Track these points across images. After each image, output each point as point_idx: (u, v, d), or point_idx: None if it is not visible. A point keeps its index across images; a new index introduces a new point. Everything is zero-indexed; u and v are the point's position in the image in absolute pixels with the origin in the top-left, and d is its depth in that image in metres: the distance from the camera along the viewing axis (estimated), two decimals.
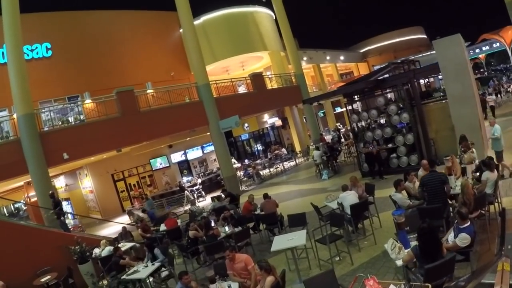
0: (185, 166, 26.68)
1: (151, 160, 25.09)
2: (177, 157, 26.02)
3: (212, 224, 10.14)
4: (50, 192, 13.47)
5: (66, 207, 25.24)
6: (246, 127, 30.08)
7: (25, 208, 24.89)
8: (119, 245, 11.51)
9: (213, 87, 20.75)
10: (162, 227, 12.57)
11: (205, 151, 27.39)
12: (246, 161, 27.40)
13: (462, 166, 9.14)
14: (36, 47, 20.03)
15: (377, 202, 9.54)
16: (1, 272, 10.38)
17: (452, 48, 12.12)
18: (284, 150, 28.55)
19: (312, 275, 6.66)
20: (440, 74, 13.43)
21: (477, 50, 46.34)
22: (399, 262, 5.35)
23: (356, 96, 15.68)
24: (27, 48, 19.36)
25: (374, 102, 14.74)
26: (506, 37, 36.62)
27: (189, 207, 16.52)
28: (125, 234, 12.96)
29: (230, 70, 29.83)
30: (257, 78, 23.87)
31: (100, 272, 10.99)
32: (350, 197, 8.66)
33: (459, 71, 12.07)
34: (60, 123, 16.49)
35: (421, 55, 30.63)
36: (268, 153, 28.48)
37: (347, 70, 47.48)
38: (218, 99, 20.34)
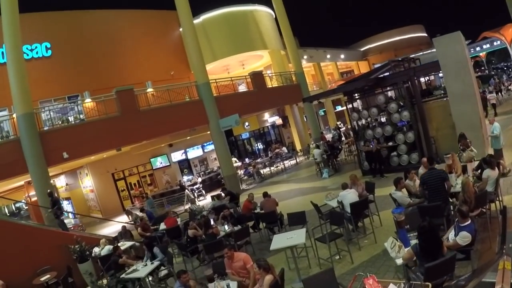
0: (185, 165, 26.68)
1: (151, 159, 25.08)
2: (177, 156, 26.01)
3: (212, 223, 10.10)
4: (49, 191, 13.43)
5: (67, 206, 25.36)
6: (247, 126, 30.03)
7: (26, 207, 24.93)
8: (119, 244, 11.49)
9: (213, 86, 20.72)
10: (162, 226, 12.54)
11: (205, 150, 27.38)
12: (247, 160, 27.39)
13: (461, 164, 9.10)
14: (36, 47, 19.99)
15: (377, 201, 9.51)
16: (1, 271, 10.38)
17: (453, 45, 12.07)
18: (284, 148, 28.52)
19: (312, 274, 6.63)
20: (440, 72, 13.38)
21: (477, 48, 46.18)
22: (399, 261, 5.31)
23: (356, 94, 15.63)
24: (27, 48, 19.35)
25: (375, 100, 14.70)
26: (507, 35, 36.49)
27: (189, 206, 16.49)
28: (124, 233, 12.92)
29: (230, 69, 29.79)
30: (257, 77, 23.82)
31: (100, 271, 10.97)
32: (350, 196, 8.62)
33: (459, 68, 12.02)
34: (60, 123, 16.46)
35: (421, 53, 30.48)
36: (269, 152, 28.45)
37: (348, 69, 47.40)
38: (218, 98, 20.29)
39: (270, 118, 31.44)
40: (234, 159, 25.30)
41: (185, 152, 26.37)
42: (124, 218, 17.97)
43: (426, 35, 50.63)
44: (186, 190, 20.01)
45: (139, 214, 14.98)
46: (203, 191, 21.22)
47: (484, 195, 6.90)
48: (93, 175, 23.23)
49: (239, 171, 23.27)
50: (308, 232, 8.01)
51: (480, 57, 51.50)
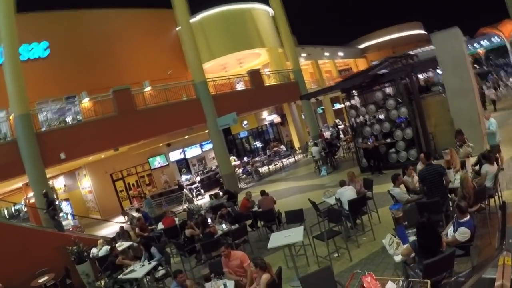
0: (183, 165, 26.63)
1: (149, 159, 25.01)
2: (175, 155, 25.96)
3: (210, 222, 10.04)
4: (44, 191, 13.33)
5: (66, 207, 25.29)
6: (245, 125, 29.99)
7: (26, 209, 24.86)
8: (117, 245, 11.44)
9: (210, 84, 20.64)
10: (160, 225, 12.48)
11: (203, 149, 27.32)
12: (245, 159, 27.33)
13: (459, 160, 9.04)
14: (33, 47, 19.86)
15: (376, 198, 9.45)
16: None
17: (450, 41, 12.02)
18: (283, 147, 28.50)
19: (309, 272, 6.57)
20: (438, 68, 13.32)
21: (476, 45, 46.07)
22: (397, 258, 5.24)
23: (354, 91, 15.55)
24: (24, 48, 19.24)
25: (372, 97, 14.63)
26: (505, 31, 36.36)
27: (187, 205, 16.44)
28: (122, 234, 12.86)
29: (228, 68, 29.70)
30: (254, 75, 23.75)
31: (98, 272, 10.93)
32: (348, 193, 8.55)
33: (457, 64, 11.97)
34: (57, 123, 16.39)
35: (420, 50, 30.47)
36: (267, 150, 28.41)
37: (346, 66, 47.36)
38: (216, 96, 20.23)
39: (268, 117, 31.40)
40: (232, 157, 25.28)
41: (183, 152, 26.31)
42: (122, 219, 17.90)
43: (424, 32, 50.60)
44: (185, 190, 19.94)
45: (135, 214, 14.93)
46: (202, 190, 21.17)
47: (483, 190, 6.83)
48: (91, 176, 23.14)
49: (237, 169, 23.21)
50: (306, 230, 7.95)
51: (479, 54, 51.38)
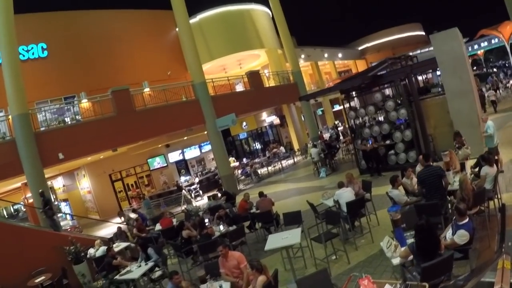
0: (183, 166, 26.58)
1: (148, 160, 24.97)
2: (174, 156, 25.92)
3: (207, 223, 9.98)
4: (40, 190, 13.27)
5: (64, 207, 25.25)
6: (245, 126, 29.95)
7: (25, 209, 24.83)
8: (114, 245, 11.39)
9: (209, 85, 20.60)
10: (158, 226, 12.43)
11: (202, 150, 27.28)
12: (245, 160, 27.29)
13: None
14: (32, 48, 19.83)
15: (374, 200, 9.39)
16: None
17: (450, 42, 11.98)
18: (282, 148, 28.46)
19: (305, 275, 6.51)
20: (438, 69, 13.28)
21: (475, 46, 46.09)
22: (395, 261, 5.18)
23: (353, 93, 15.50)
24: (23, 49, 19.21)
25: (372, 99, 14.58)
26: (505, 33, 36.37)
27: (185, 206, 16.38)
28: (120, 235, 12.82)
29: (227, 69, 29.70)
30: (254, 76, 23.71)
31: (95, 272, 10.88)
32: (346, 194, 8.49)
33: (457, 65, 11.93)
34: (57, 123, 16.35)
35: (419, 51, 30.47)
36: (267, 152, 28.37)
37: (346, 68, 47.39)
38: (215, 97, 20.20)
39: (268, 118, 31.36)
40: (232, 159, 25.24)
41: (182, 153, 26.27)
42: (120, 219, 17.85)
43: (424, 33, 50.61)
44: (183, 191, 19.89)
45: (132, 215, 14.91)
46: (200, 192, 21.11)
47: (482, 192, 6.78)
48: (90, 176, 23.11)
49: (236, 171, 23.15)
50: (304, 232, 7.89)
51: (478, 55, 51.43)
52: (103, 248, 11.15)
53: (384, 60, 15.77)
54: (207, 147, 26.48)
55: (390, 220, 5.94)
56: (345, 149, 21.19)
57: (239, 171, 23.48)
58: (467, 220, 5.24)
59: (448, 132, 12.29)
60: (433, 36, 12.58)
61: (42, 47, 20.11)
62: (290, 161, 24.87)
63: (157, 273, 8.81)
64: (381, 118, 14.88)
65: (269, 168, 24.01)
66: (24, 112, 14.06)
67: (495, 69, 56.94)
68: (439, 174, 7.11)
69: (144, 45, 24.00)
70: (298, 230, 7.50)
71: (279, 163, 24.20)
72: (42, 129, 15.43)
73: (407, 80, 13.47)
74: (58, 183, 26.45)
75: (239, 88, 25.33)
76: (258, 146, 32.69)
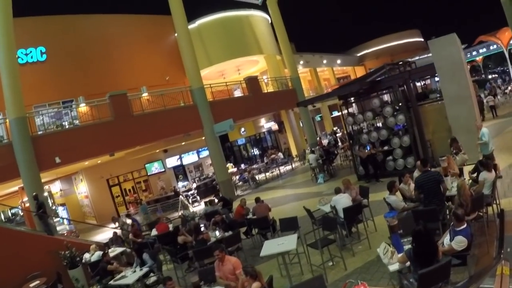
0: (180, 171, 26.48)
1: (146, 165, 24.88)
2: (172, 161, 25.83)
3: (203, 229, 9.89)
4: (34, 194, 13.22)
5: (62, 212, 25.10)
6: (243, 132, 29.91)
7: (22, 213, 24.69)
8: (109, 250, 11.30)
9: (208, 91, 20.57)
10: (154, 232, 12.33)
11: (200, 156, 27.21)
12: (243, 166, 27.23)
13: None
14: (31, 51, 19.80)
15: (372, 206, 9.30)
16: None
17: (448, 47, 11.97)
18: (280, 154, 28.42)
19: (300, 282, 6.42)
20: (436, 75, 13.26)
21: (474, 53, 46.27)
22: (392, 267, 5.10)
23: (351, 98, 15.45)
24: (22, 52, 19.20)
25: (370, 104, 14.53)
26: (503, 39, 36.53)
27: (182, 212, 16.29)
28: (116, 240, 12.72)
29: (226, 75, 29.69)
30: (252, 82, 23.69)
31: (91, 277, 10.78)
32: (343, 200, 8.41)
33: (455, 70, 11.90)
34: (54, 127, 16.30)
35: (417, 57, 30.49)
36: (265, 158, 28.32)
37: (344, 74, 47.44)
38: (213, 103, 20.17)
39: (266, 124, 31.33)
40: (230, 164, 25.17)
41: (180, 158, 26.19)
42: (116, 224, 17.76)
43: (422, 39, 50.76)
44: (181, 196, 19.79)
45: (126, 221, 14.85)
46: (198, 197, 21.02)
47: (480, 198, 6.69)
48: (87, 181, 23.01)
49: (234, 177, 23.08)
50: (300, 238, 7.80)
51: (477, 61, 51.61)
52: (98, 253, 11.07)
53: (382, 66, 15.74)
54: (205, 153, 26.38)
55: (387, 226, 5.86)
56: (343, 155, 21.14)
57: (237, 177, 23.40)
58: (465, 226, 5.16)
59: (446, 138, 12.21)
60: (432, 42, 12.57)
61: (41, 50, 20.08)
62: (288, 167, 24.82)
63: (152, 278, 8.71)
64: (379, 124, 14.82)
65: (267, 174, 23.93)
66: (21, 116, 14.02)
67: (494, 75, 57.12)
68: (437, 180, 7.04)
69: (142, 50, 24.01)
70: (294, 236, 7.43)
71: (277, 169, 24.14)
72: (39, 133, 15.36)
73: (405, 86, 13.42)
74: (55, 188, 26.33)
75: (238, 93, 25.30)
76: (256, 152, 32.62)
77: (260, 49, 26.74)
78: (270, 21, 27.94)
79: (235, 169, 25.62)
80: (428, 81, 22.43)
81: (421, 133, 13.35)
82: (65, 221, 22.51)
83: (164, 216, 16.00)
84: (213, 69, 26.63)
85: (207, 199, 16.05)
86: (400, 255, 5.11)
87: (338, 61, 42.04)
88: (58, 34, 20.86)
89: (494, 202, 7.14)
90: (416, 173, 8.41)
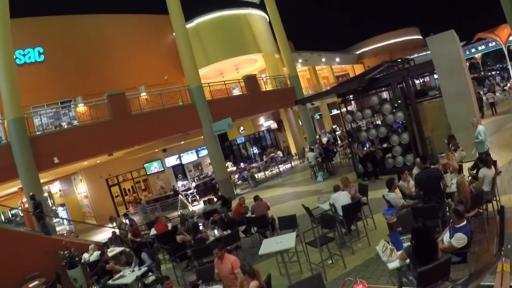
0: (179, 170, 26.45)
1: (145, 165, 24.85)
2: (171, 161, 25.81)
3: (201, 228, 9.86)
4: (31, 193, 13.17)
5: (61, 212, 25.08)
6: (242, 131, 29.88)
7: (22, 214, 24.69)
8: (108, 250, 11.28)
9: (206, 89, 20.52)
10: (153, 231, 12.29)
11: (199, 155, 27.18)
12: (242, 165, 27.20)
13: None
14: (29, 52, 19.78)
15: (371, 203, 9.26)
16: None
17: (446, 44, 11.91)
18: (279, 153, 28.40)
19: (299, 280, 6.38)
20: (435, 72, 13.21)
21: (473, 50, 46.24)
22: (391, 265, 5.06)
23: (350, 96, 15.40)
24: (20, 53, 19.20)
25: (368, 102, 14.49)
26: (502, 36, 36.47)
27: (181, 211, 16.25)
28: (114, 239, 12.68)
29: (225, 73, 29.66)
30: (250, 80, 23.64)
31: (89, 277, 10.75)
32: (342, 198, 8.37)
33: (453, 67, 11.86)
34: (53, 128, 16.26)
35: (416, 54, 30.47)
36: (264, 156, 28.29)
37: (343, 72, 47.42)
38: (211, 101, 20.12)
39: (265, 122, 31.30)
40: (229, 163, 25.13)
41: (179, 157, 26.16)
42: (115, 224, 17.73)
43: (421, 37, 50.73)
44: (180, 195, 19.77)
45: (124, 221, 14.84)
46: (197, 196, 21.00)
47: (480, 195, 6.65)
48: (87, 181, 22.98)
49: (233, 175, 23.05)
50: (299, 236, 7.76)
51: (476, 58, 51.58)
52: (97, 253, 11.03)
53: (381, 63, 15.69)
54: (204, 152, 26.35)
55: (386, 223, 5.82)
56: (342, 153, 21.11)
57: (236, 176, 23.36)
58: (465, 222, 5.12)
59: (446, 135, 12.18)
60: (430, 39, 12.52)
61: (38, 51, 20.05)
62: (288, 166, 24.81)
63: (151, 278, 8.67)
64: (378, 122, 14.77)
65: (267, 172, 23.90)
66: (20, 116, 14.02)
67: (492, 72, 57.08)
68: (436, 176, 7.01)
69: (140, 49, 23.96)
70: (292, 235, 7.38)
71: (276, 167, 24.11)
72: (38, 133, 15.31)
73: (404, 83, 13.37)
74: (55, 188, 26.33)
75: (236, 92, 25.27)
76: (255, 150, 32.58)
77: (259, 47, 26.70)
78: (268, 20, 27.85)
79: (234, 168, 25.59)
80: (427, 78, 22.43)
81: (420, 130, 13.30)
82: (65, 221, 22.50)
83: (163, 215, 15.96)
84: (212, 68, 26.59)
85: (206, 198, 16.01)
86: (399, 253, 5.08)
87: (337, 59, 42.01)
88: (56, 35, 20.83)
89: (494, 198, 7.11)
90: (415, 170, 8.39)
